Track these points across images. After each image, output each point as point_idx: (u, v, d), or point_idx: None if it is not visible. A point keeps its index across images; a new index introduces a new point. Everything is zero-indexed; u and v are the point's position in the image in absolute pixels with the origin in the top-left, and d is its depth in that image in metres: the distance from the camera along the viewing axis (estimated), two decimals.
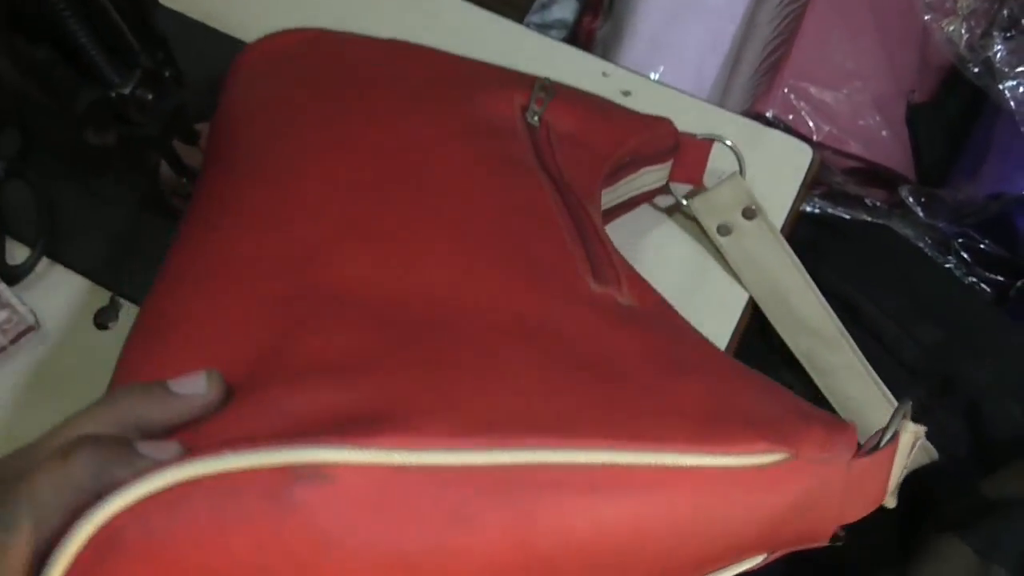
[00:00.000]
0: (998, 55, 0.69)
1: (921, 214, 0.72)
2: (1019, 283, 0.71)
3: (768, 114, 0.71)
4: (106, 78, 0.42)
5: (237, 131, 0.45)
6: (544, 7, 0.84)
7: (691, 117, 0.51)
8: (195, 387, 0.26)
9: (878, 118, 0.73)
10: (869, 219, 0.76)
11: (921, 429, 0.33)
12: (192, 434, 0.25)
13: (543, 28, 0.83)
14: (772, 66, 0.73)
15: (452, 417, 0.25)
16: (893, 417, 0.31)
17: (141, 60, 0.43)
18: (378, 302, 0.30)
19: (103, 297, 0.53)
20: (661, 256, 0.53)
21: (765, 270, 0.51)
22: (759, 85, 0.73)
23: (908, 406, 0.32)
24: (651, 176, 0.52)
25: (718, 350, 0.35)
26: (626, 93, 0.57)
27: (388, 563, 0.23)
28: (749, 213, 0.51)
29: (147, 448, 0.23)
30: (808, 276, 0.50)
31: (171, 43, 0.45)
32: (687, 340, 0.33)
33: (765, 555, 0.30)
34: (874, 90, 0.74)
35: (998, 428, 0.58)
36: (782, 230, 0.53)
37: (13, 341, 0.50)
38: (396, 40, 0.50)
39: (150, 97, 0.44)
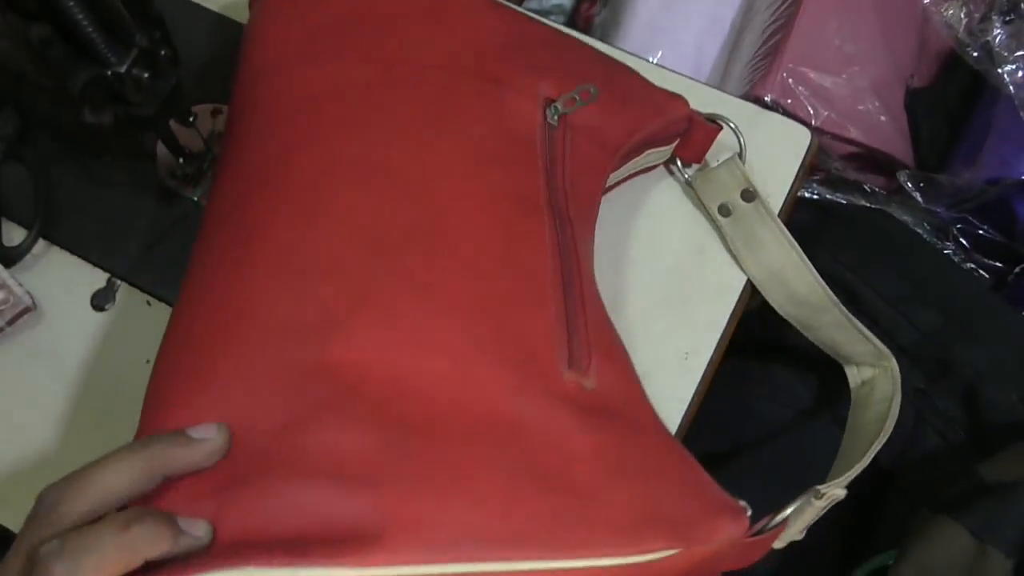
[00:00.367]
0: (997, 39, 0.69)
1: (920, 200, 0.72)
2: (1017, 269, 0.71)
3: (767, 98, 0.71)
4: (102, 57, 0.42)
5: (263, 96, 0.45)
6: None
7: (690, 100, 0.51)
8: (208, 434, 0.32)
9: (877, 103, 0.73)
10: (867, 204, 0.76)
11: (840, 494, 0.41)
12: (216, 508, 0.30)
13: (542, 14, 0.83)
14: (771, 50, 0.72)
15: (424, 536, 0.30)
16: (787, 510, 0.39)
17: (137, 39, 0.43)
18: (382, 394, 0.34)
19: (100, 278, 0.53)
20: (663, 233, 0.53)
21: (763, 252, 0.51)
22: (758, 69, 0.72)
23: (810, 496, 0.40)
24: (655, 155, 0.53)
25: (660, 435, 0.39)
26: None
27: None
28: (748, 195, 0.51)
29: (185, 524, 0.29)
30: (806, 258, 0.50)
31: (167, 22, 0.45)
32: (636, 433, 0.37)
33: None
34: (873, 75, 0.73)
35: (995, 413, 0.58)
36: (780, 214, 0.53)
37: (10, 322, 0.50)
38: None
39: (146, 76, 0.44)
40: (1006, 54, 0.68)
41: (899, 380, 0.48)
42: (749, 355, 0.67)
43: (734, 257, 0.53)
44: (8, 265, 0.51)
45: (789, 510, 0.39)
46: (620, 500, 0.34)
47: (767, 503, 0.44)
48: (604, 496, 0.34)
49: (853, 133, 0.72)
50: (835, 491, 0.41)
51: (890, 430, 0.46)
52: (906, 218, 0.74)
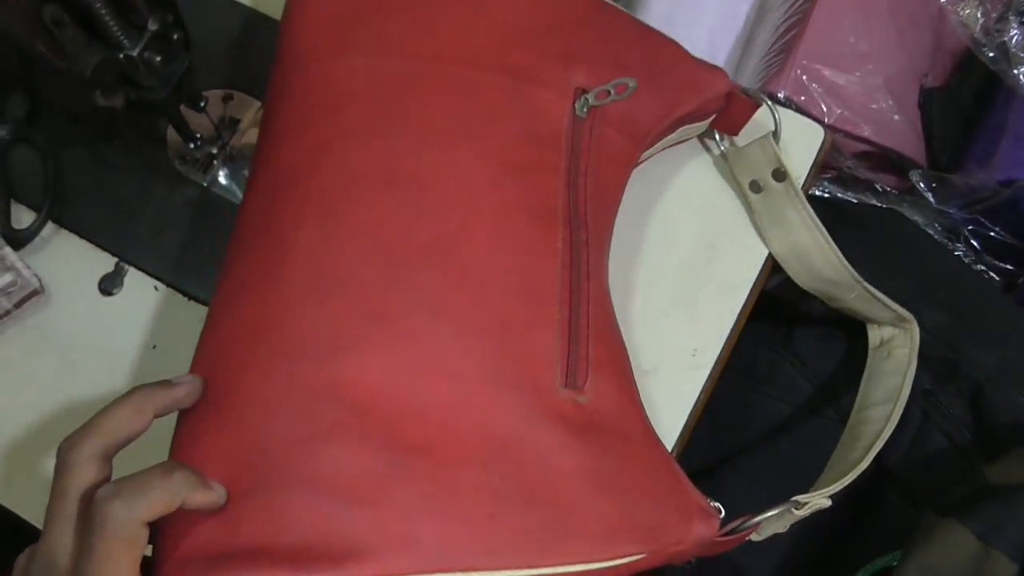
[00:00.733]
0: (1014, 39, 0.68)
1: (932, 200, 0.72)
2: None
3: (780, 95, 0.70)
4: (114, 39, 0.42)
5: (298, 86, 0.45)
6: None
7: None
8: (185, 380, 0.38)
9: (891, 102, 0.73)
10: (879, 204, 0.75)
11: (823, 503, 0.43)
12: (236, 515, 0.34)
13: None
14: (785, 46, 0.72)
15: (413, 550, 0.34)
16: (760, 516, 0.42)
17: (150, 22, 0.43)
18: (388, 416, 0.37)
19: (108, 263, 0.53)
20: (673, 229, 0.53)
21: (789, 231, 0.52)
22: (771, 65, 0.72)
23: (789, 507, 0.42)
24: (690, 130, 0.53)
25: (645, 444, 0.41)
26: None
27: None
28: (779, 175, 0.51)
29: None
30: (832, 241, 0.51)
31: (180, 6, 0.44)
32: (622, 445, 0.40)
33: None
34: (887, 73, 0.73)
35: (1002, 414, 0.58)
36: None
37: (18, 305, 0.50)
38: None
39: (158, 60, 0.44)
40: (1022, 55, 0.68)
41: (917, 343, 0.51)
42: (761, 348, 0.66)
43: (759, 232, 0.53)
44: (17, 248, 0.51)
45: (762, 517, 0.42)
46: (599, 511, 0.37)
47: (767, 498, 0.45)
48: (584, 508, 0.37)
49: (866, 131, 0.72)
50: (818, 501, 0.43)
51: (896, 419, 0.47)
52: (917, 218, 0.74)
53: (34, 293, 0.51)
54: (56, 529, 0.33)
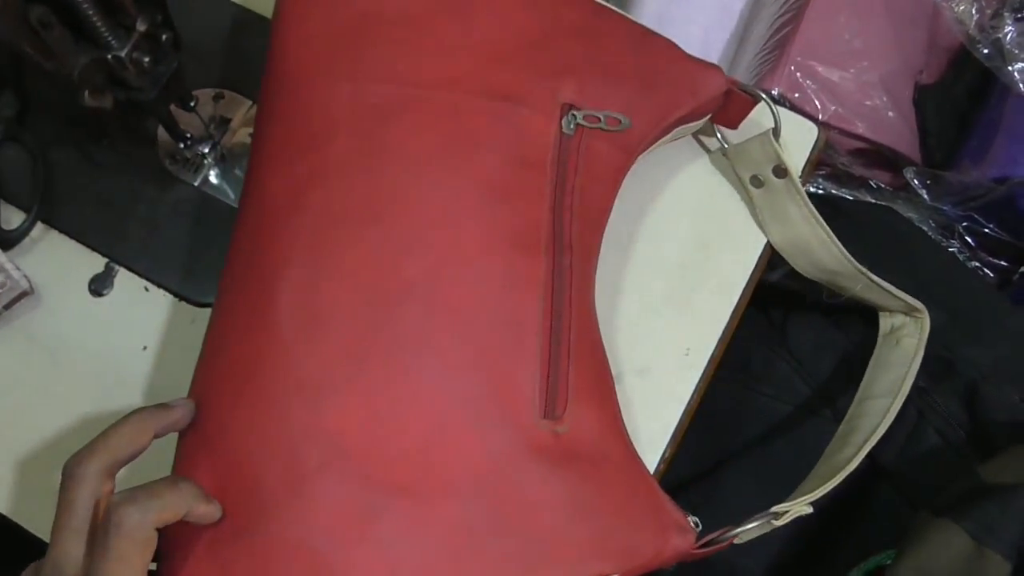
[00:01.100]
0: (1008, 36, 0.68)
1: (926, 197, 0.72)
2: (1023, 268, 0.71)
3: (774, 92, 0.70)
4: (102, 40, 0.42)
5: (285, 111, 0.45)
6: None
7: None
8: (180, 404, 0.40)
9: (885, 99, 0.72)
10: (873, 201, 0.75)
11: (804, 511, 0.43)
12: (232, 553, 0.38)
13: None
14: (779, 43, 0.72)
15: None
16: (738, 528, 0.43)
17: (138, 22, 0.43)
18: (369, 457, 0.39)
19: (98, 263, 0.52)
20: (666, 227, 0.53)
21: (791, 226, 0.52)
22: (765, 62, 0.72)
23: (768, 519, 0.43)
24: (685, 130, 0.52)
25: (623, 467, 0.42)
26: None
27: None
28: (780, 172, 0.50)
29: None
30: (834, 236, 0.51)
31: (169, 6, 0.44)
32: (600, 471, 0.41)
33: None
34: (882, 70, 0.73)
35: (997, 413, 0.58)
36: None
37: (7, 306, 0.50)
38: None
39: (147, 60, 0.44)
40: (1017, 51, 0.68)
41: (927, 333, 0.51)
42: (754, 341, 0.66)
43: (759, 225, 0.53)
44: (6, 248, 0.51)
45: (740, 529, 0.43)
46: (574, 538, 0.39)
47: (761, 497, 0.45)
48: (559, 536, 0.39)
49: (860, 128, 0.72)
50: (799, 508, 0.43)
51: (894, 413, 0.48)
52: (912, 215, 0.74)
53: (23, 294, 0.50)
54: (64, 541, 0.34)
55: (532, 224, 0.43)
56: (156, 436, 0.38)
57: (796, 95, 0.71)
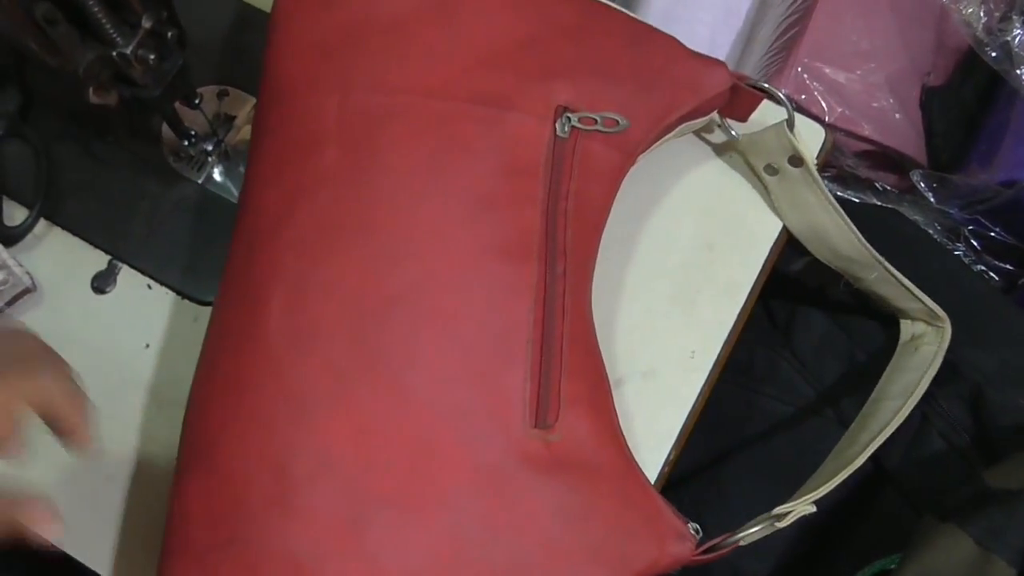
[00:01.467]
0: (1017, 39, 0.68)
1: (932, 199, 0.72)
2: None
3: (781, 93, 0.70)
4: (107, 37, 0.42)
5: (276, 123, 0.45)
6: None
7: None
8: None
9: (892, 101, 0.72)
10: (879, 203, 0.75)
11: (807, 510, 0.43)
12: (217, 562, 0.39)
13: None
14: (786, 45, 0.72)
15: None
16: (740, 533, 0.42)
17: (143, 20, 0.42)
18: (356, 469, 0.39)
19: (101, 261, 0.52)
20: (671, 228, 0.53)
21: (808, 213, 0.52)
22: (772, 64, 0.72)
23: (771, 521, 0.42)
24: (691, 127, 0.51)
25: (619, 475, 0.41)
26: None
27: None
28: (795, 161, 0.50)
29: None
30: (851, 223, 0.50)
31: (174, 3, 0.44)
32: (594, 480, 0.41)
33: None
34: (889, 72, 0.72)
35: (1001, 417, 0.58)
36: None
37: (9, 303, 0.50)
38: None
39: (152, 57, 0.44)
40: None
41: (947, 343, 0.51)
42: (758, 343, 0.66)
43: (776, 211, 0.53)
44: (8, 245, 0.50)
45: (743, 534, 0.42)
46: (566, 547, 0.39)
47: (765, 500, 0.44)
48: (551, 545, 0.39)
49: (867, 130, 0.71)
50: (802, 508, 0.43)
51: (905, 414, 0.47)
52: (917, 217, 0.74)
53: (26, 291, 0.50)
54: None
55: (523, 231, 0.43)
56: None
57: (803, 97, 0.70)
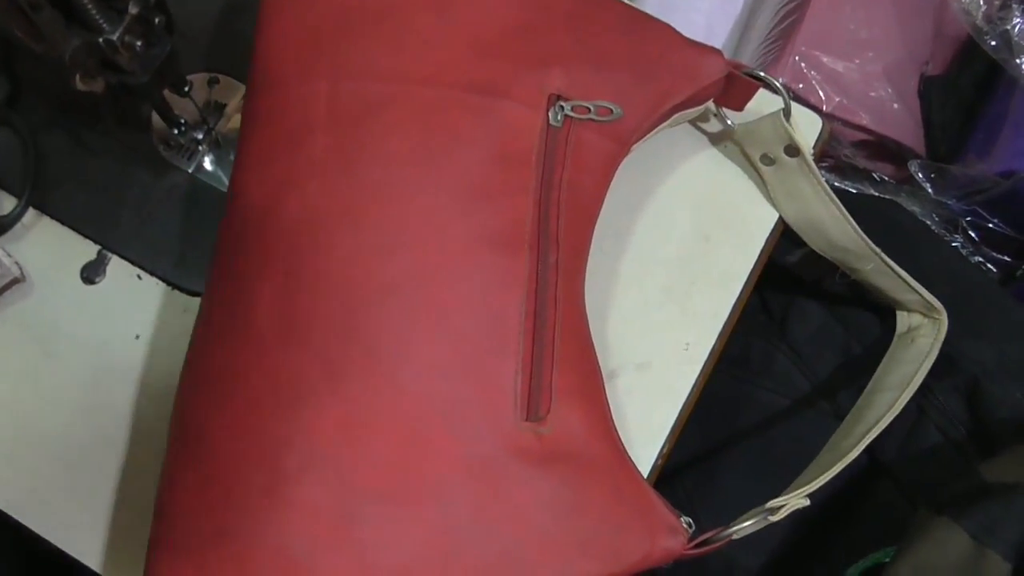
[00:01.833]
0: (1016, 28, 0.67)
1: (930, 190, 0.71)
2: None
3: (778, 82, 0.69)
4: (93, 23, 0.41)
5: (264, 110, 0.45)
6: None
7: None
8: None
9: (890, 90, 0.72)
10: (876, 194, 0.74)
11: (800, 504, 0.42)
12: (204, 556, 0.38)
13: None
14: (783, 33, 0.71)
15: None
16: (733, 527, 0.42)
17: (130, 5, 0.42)
18: (345, 463, 0.38)
19: (91, 251, 0.52)
20: (667, 219, 0.52)
21: (804, 203, 0.51)
22: (769, 52, 0.71)
23: (765, 515, 0.42)
24: (686, 116, 0.51)
25: (611, 467, 0.41)
26: None
27: None
28: (791, 151, 0.50)
29: None
30: (847, 213, 0.50)
31: None
32: (586, 472, 0.41)
33: None
34: (887, 61, 0.72)
35: (999, 410, 0.57)
36: None
37: None
38: None
39: (139, 44, 0.43)
40: None
41: (943, 335, 0.51)
42: (753, 336, 0.66)
43: (771, 201, 0.53)
44: None
45: (735, 528, 0.42)
46: (558, 540, 0.39)
47: (759, 492, 0.44)
48: (543, 538, 0.39)
49: (864, 120, 0.71)
50: (795, 502, 0.42)
51: (900, 406, 0.47)
52: (915, 208, 0.73)
53: (14, 281, 0.49)
54: None
55: (515, 221, 0.43)
56: None
57: (800, 86, 0.70)
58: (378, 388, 0.39)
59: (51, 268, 0.51)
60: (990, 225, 0.71)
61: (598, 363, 0.43)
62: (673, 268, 0.51)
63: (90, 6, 0.40)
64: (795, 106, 0.55)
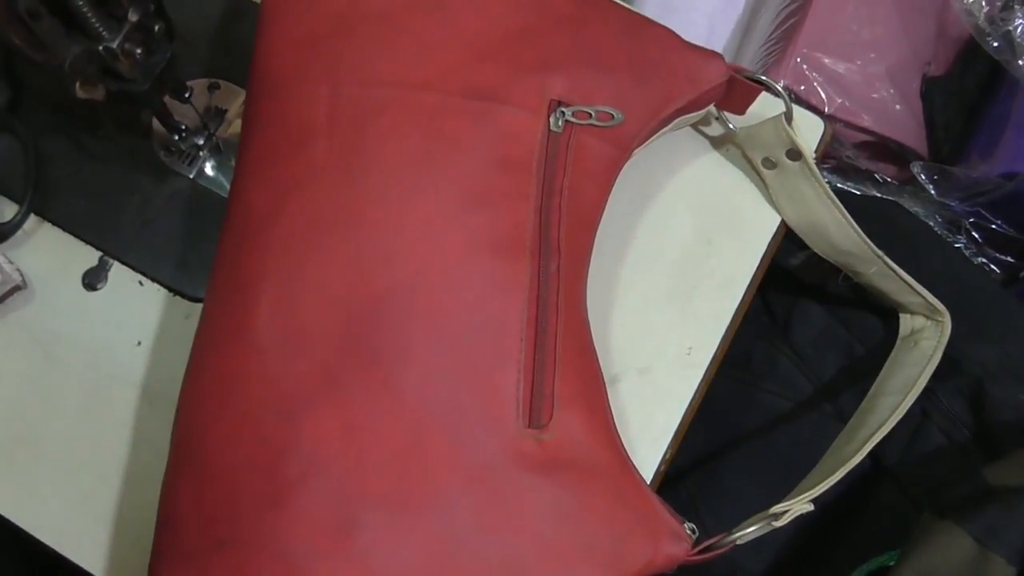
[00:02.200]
0: (1019, 29, 0.67)
1: (933, 191, 0.71)
2: None
3: (780, 84, 0.69)
4: (93, 31, 0.41)
5: (266, 114, 0.45)
6: None
7: None
8: None
9: (892, 91, 0.71)
10: (879, 195, 0.74)
11: (804, 509, 0.42)
12: (205, 565, 0.38)
13: None
14: (785, 34, 0.71)
15: None
16: (736, 533, 0.42)
17: (129, 12, 0.42)
18: (344, 471, 0.38)
19: (92, 257, 0.51)
20: (669, 223, 0.52)
21: (806, 207, 0.51)
22: (771, 54, 0.71)
23: (768, 520, 0.42)
24: (687, 120, 0.51)
25: (614, 474, 0.41)
26: None
27: None
28: (793, 155, 0.49)
29: None
30: (850, 217, 0.50)
31: None
32: (588, 479, 0.40)
33: None
34: (889, 62, 0.72)
35: (1002, 412, 0.57)
36: None
37: None
38: None
39: (139, 51, 0.43)
40: None
41: (947, 338, 0.51)
42: (758, 338, 0.66)
43: (773, 205, 0.53)
44: None
45: (739, 534, 0.42)
46: (560, 547, 0.39)
47: (763, 496, 0.44)
48: (544, 545, 0.39)
49: (867, 121, 0.71)
50: (799, 507, 0.42)
51: (904, 411, 0.47)
52: (918, 210, 0.73)
53: (16, 288, 0.49)
54: None
55: (515, 228, 0.42)
56: None
57: (802, 88, 0.70)
58: (378, 395, 0.39)
59: (52, 274, 0.51)
60: (993, 226, 0.71)
61: (600, 368, 0.43)
62: (675, 272, 0.51)
63: (89, 14, 0.40)
64: (797, 109, 0.55)
